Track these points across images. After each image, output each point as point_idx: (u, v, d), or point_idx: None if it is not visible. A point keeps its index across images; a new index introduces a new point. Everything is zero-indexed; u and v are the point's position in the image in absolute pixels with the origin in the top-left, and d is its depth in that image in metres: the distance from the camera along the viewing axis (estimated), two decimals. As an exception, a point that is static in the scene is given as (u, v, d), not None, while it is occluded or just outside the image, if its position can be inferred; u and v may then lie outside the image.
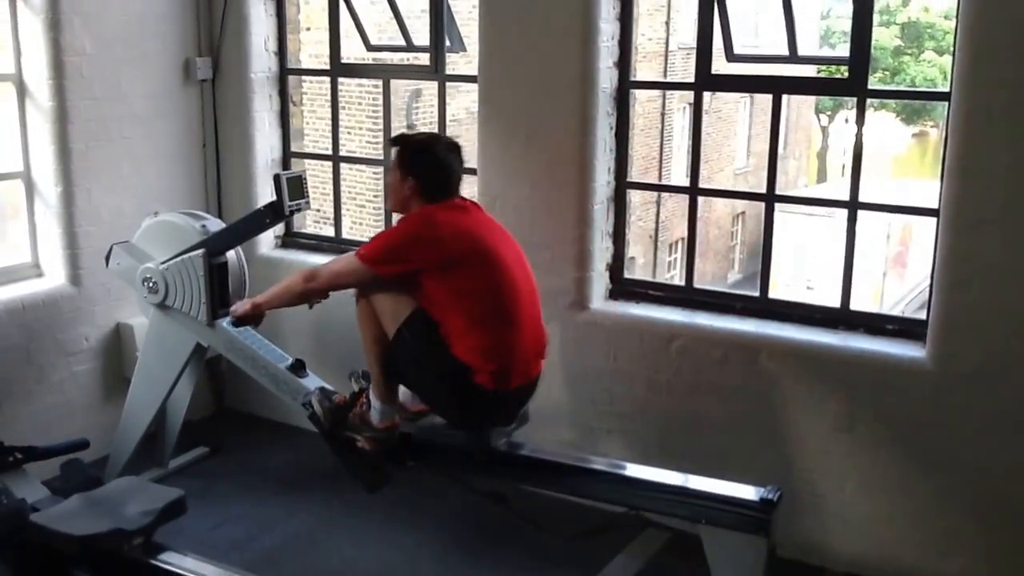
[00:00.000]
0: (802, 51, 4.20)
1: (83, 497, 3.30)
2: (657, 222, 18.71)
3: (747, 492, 3.40)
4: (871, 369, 3.85)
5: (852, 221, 4.04)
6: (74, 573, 3.26)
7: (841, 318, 4.07)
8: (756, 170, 22.62)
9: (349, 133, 12.92)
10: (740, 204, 21.34)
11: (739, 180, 21.61)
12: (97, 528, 3.09)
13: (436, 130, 4.82)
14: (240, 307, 3.99)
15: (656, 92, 18.58)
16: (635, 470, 3.69)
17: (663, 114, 18.61)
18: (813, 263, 19.47)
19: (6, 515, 3.18)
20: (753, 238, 22.36)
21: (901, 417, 3.82)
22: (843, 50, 4.60)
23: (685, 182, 19.27)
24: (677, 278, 19.86)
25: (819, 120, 27.41)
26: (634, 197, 3.88)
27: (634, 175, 4.41)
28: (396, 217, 3.80)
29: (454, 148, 3.69)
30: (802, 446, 4.02)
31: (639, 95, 15.11)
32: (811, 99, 21.74)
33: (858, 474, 3.94)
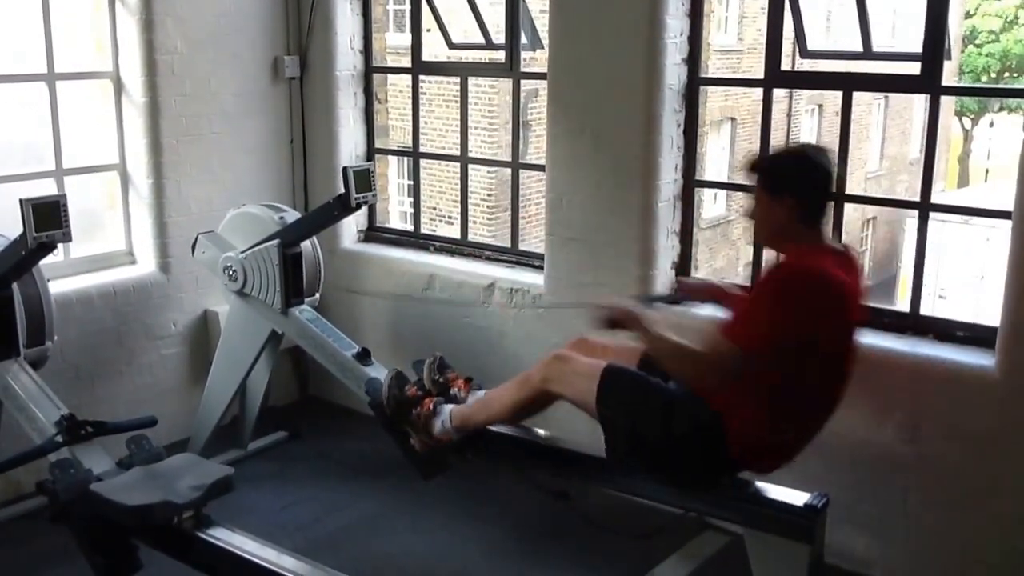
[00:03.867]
0: (876, 47, 4.06)
1: (142, 470, 3.46)
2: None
3: (793, 497, 3.31)
4: (937, 377, 3.69)
5: (923, 221, 3.90)
6: (132, 542, 3.45)
7: (911, 323, 3.92)
8: (889, 174, 21.85)
9: (452, 131, 13.08)
10: (871, 209, 20.65)
11: (871, 184, 20.90)
12: (149, 499, 3.25)
13: (510, 126, 4.86)
14: (619, 311, 3.18)
15: (783, 93, 18.14)
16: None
17: (789, 115, 18.15)
18: (947, 272, 18.67)
19: (72, 485, 3.38)
20: (884, 244, 21.60)
21: (967, 428, 3.65)
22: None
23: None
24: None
25: (961, 123, 26.25)
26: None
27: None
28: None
29: (825, 152, 3.13)
30: (863, 455, 3.89)
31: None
32: (951, 100, 20.83)
33: (920, 487, 3.78)
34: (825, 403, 3.13)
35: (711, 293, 3.71)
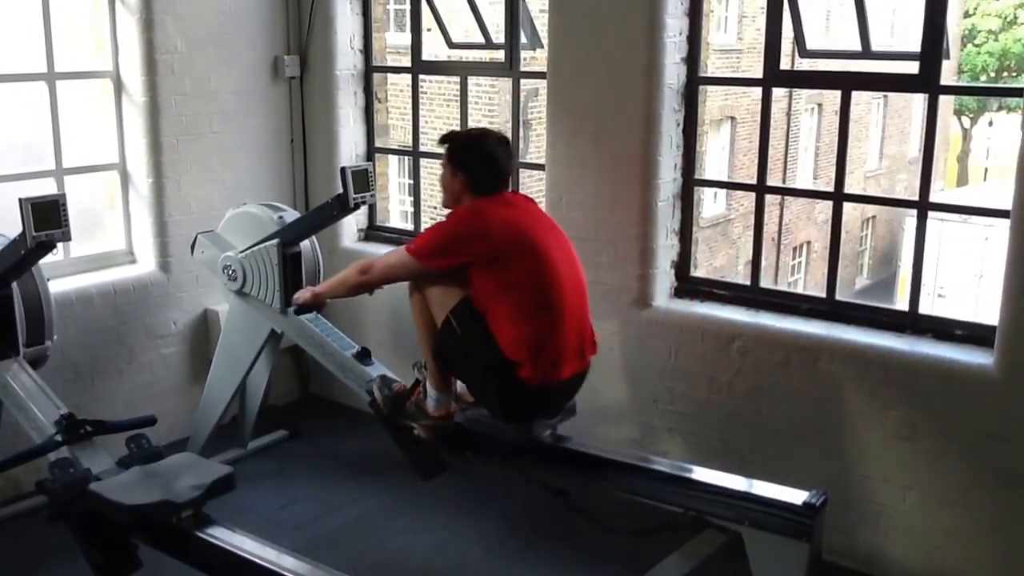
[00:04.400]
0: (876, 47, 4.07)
1: (141, 469, 3.47)
2: (780, 224, 18.28)
3: (792, 495, 3.31)
4: (936, 375, 3.70)
5: (922, 220, 3.91)
6: (131, 541, 3.45)
7: (909, 322, 3.93)
8: (888, 173, 21.85)
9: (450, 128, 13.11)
10: (871, 208, 20.66)
11: (870, 183, 20.91)
12: (148, 499, 3.25)
13: (508, 125, 4.87)
14: (301, 295, 4.10)
15: (783, 92, 18.13)
16: (678, 468, 3.65)
17: (789, 114, 18.14)
18: (947, 270, 18.67)
19: (71, 484, 3.38)
20: (883, 243, 21.61)
21: (966, 426, 3.66)
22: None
23: (811, 184, 18.97)
24: (801, 283, 19.38)
25: (960, 122, 26.25)
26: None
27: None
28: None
29: (502, 142, 3.71)
30: (863, 453, 3.90)
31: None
32: (950, 99, 20.83)
33: (920, 484, 3.80)
34: (548, 298, 3.49)
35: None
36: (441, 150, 3.73)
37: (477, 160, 3.64)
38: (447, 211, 3.68)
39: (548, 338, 3.50)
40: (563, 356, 3.54)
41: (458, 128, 4.69)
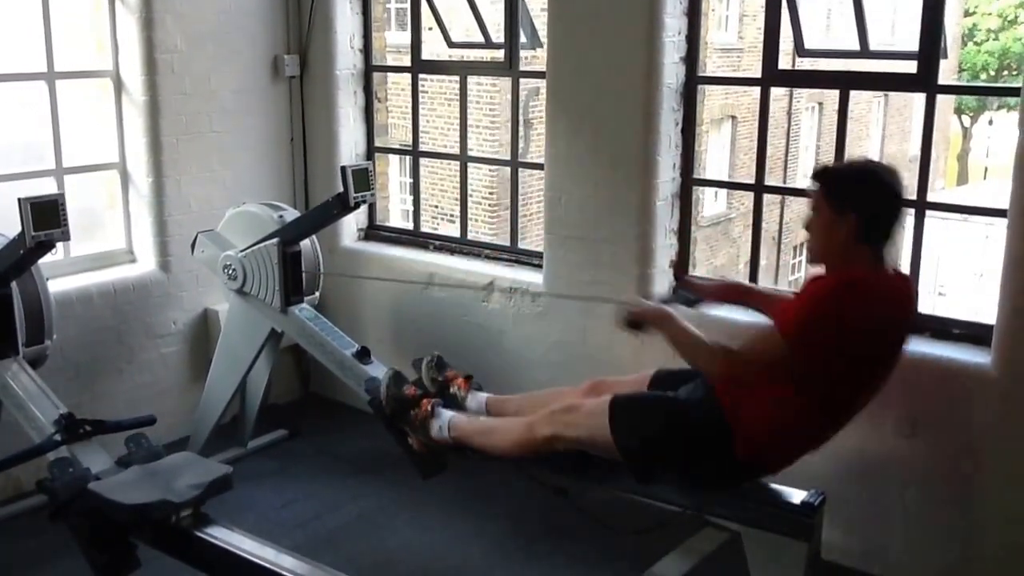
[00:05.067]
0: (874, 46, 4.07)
1: (140, 469, 3.47)
2: (780, 223, 18.27)
3: (790, 495, 3.32)
4: (934, 374, 3.70)
5: (920, 220, 3.92)
6: (131, 540, 3.46)
7: (909, 321, 3.92)
8: (890, 172, 21.81)
9: (453, 129, 13.11)
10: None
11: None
12: (147, 498, 3.25)
13: (509, 124, 4.86)
14: (648, 310, 3.30)
15: (783, 91, 18.12)
16: (677, 467, 3.64)
17: (789, 113, 18.14)
18: (947, 269, 18.67)
19: (71, 483, 3.38)
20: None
21: (964, 425, 3.66)
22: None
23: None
24: (800, 282, 19.34)
25: (960, 121, 26.24)
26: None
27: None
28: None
29: (895, 174, 3.07)
30: (862, 452, 3.89)
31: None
32: (949, 98, 20.83)
33: (919, 483, 3.80)
34: (842, 412, 3.09)
35: (732, 292, 3.68)
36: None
37: (880, 200, 3.00)
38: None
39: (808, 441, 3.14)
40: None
41: (456, 130, 4.66)
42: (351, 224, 5.46)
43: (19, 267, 3.86)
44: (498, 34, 4.95)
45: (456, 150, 5.21)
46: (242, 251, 4.54)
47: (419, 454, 4.02)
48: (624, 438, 3.17)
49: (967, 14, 23.84)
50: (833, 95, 4.09)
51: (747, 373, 2.98)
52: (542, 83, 4.66)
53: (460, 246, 5.22)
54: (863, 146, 20.36)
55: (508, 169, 5.08)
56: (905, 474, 3.82)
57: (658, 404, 3.26)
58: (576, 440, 3.30)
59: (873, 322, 2.89)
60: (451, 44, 5.30)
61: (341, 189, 4.30)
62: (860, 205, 2.91)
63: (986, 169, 25.95)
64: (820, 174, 3.06)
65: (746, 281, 3.88)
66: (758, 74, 4.15)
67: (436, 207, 13.76)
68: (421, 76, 5.40)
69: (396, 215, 10.86)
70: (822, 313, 2.86)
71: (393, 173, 11.87)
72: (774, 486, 3.37)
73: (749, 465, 3.16)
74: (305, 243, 4.63)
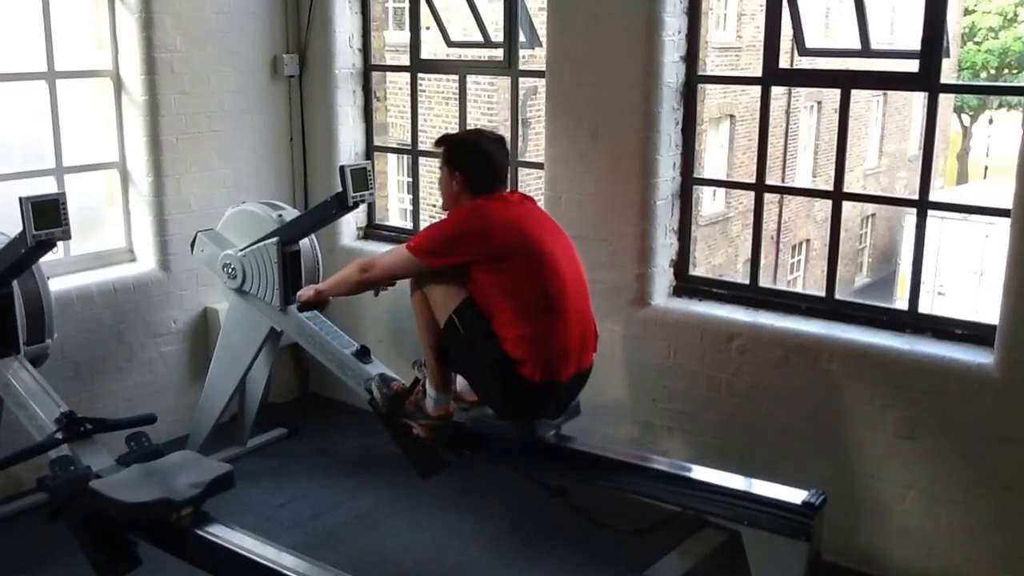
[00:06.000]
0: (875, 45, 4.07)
1: (141, 467, 3.46)
2: (780, 223, 18.28)
3: (791, 495, 3.32)
4: (936, 375, 3.70)
5: (922, 219, 3.91)
6: (131, 538, 3.46)
7: (909, 321, 3.93)
8: (888, 171, 21.85)
9: (452, 128, 13.13)
10: (870, 206, 20.66)
11: (870, 181, 20.91)
12: (147, 497, 3.25)
13: (508, 123, 4.87)
14: (304, 293, 4.11)
15: (782, 90, 18.12)
16: (677, 467, 3.65)
17: (788, 112, 18.14)
18: (947, 268, 18.67)
19: (71, 481, 3.38)
20: (883, 241, 21.61)
21: (966, 426, 3.66)
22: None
23: (810, 182, 18.96)
24: (800, 281, 19.36)
25: (960, 120, 26.24)
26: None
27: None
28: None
29: (498, 141, 3.72)
30: (863, 452, 3.90)
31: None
32: (950, 97, 20.83)
33: (920, 484, 3.80)
34: (549, 296, 3.51)
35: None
36: (438, 152, 3.76)
37: (473, 160, 3.66)
38: (446, 212, 3.68)
39: (550, 337, 3.50)
40: (565, 355, 3.55)
41: (455, 128, 4.70)
42: (350, 223, 5.46)
43: (20, 266, 3.86)
44: (497, 33, 4.95)
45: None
46: (241, 250, 4.53)
47: (418, 454, 4.05)
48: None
49: (967, 13, 23.84)
50: (832, 94, 4.10)
51: (382, 279, 3.79)
52: (541, 82, 4.66)
53: (460, 245, 5.20)
54: (862, 145, 20.39)
55: (507, 168, 5.07)
56: (906, 475, 3.82)
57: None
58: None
59: (498, 222, 3.51)
60: (450, 43, 5.30)
61: (340, 188, 4.30)
62: (463, 165, 3.65)
63: (986, 168, 25.97)
64: (440, 141, 3.79)
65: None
66: (758, 73, 4.15)
67: (435, 206, 13.71)
68: (420, 75, 5.40)
69: (395, 214, 10.85)
70: (448, 229, 3.60)
71: (392, 172, 11.87)
72: (774, 485, 3.38)
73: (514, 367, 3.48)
74: (304, 242, 4.62)
